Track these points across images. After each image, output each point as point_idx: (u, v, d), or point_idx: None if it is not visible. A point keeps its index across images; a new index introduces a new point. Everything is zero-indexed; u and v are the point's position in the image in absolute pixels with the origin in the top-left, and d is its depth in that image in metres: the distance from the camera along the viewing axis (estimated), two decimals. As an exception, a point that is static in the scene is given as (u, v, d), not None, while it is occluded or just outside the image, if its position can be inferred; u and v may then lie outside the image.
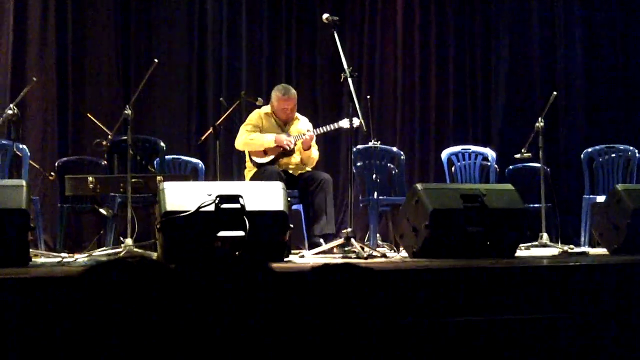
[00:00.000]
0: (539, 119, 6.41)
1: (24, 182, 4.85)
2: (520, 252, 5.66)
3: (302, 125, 6.58)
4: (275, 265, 0.96)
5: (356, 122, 5.81)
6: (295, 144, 6.45)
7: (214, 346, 0.73)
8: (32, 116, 7.46)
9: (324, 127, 6.51)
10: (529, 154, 6.50)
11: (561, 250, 5.91)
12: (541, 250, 6.03)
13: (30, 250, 4.82)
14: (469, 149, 7.66)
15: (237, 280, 0.78)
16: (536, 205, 6.52)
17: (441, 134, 8.44)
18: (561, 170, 8.29)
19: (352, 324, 1.52)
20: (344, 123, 6.24)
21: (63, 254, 5.58)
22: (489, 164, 7.55)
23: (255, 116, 6.55)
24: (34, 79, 6.63)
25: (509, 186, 5.63)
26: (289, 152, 6.43)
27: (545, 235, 6.21)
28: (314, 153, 6.54)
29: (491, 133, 8.53)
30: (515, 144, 6.89)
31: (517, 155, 6.58)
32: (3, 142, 6.47)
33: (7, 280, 3.58)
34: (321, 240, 6.07)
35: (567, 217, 7.74)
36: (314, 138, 6.48)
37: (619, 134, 8.27)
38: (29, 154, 6.70)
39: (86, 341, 0.73)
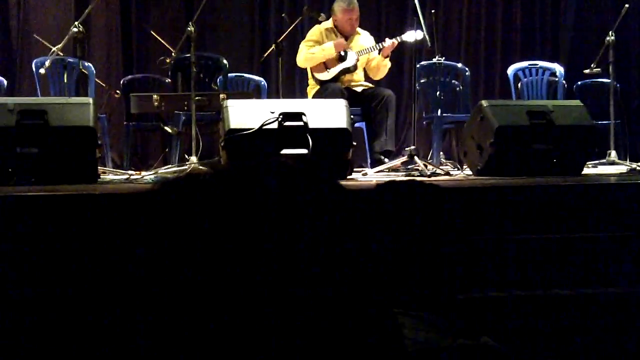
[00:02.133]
0: (610, 32, 6.19)
1: (90, 100, 4.91)
2: (588, 170, 5.56)
3: (363, 40, 6.48)
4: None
5: (420, 35, 5.69)
6: (358, 60, 6.36)
7: (283, 259, 0.73)
8: (97, 34, 7.52)
9: (387, 41, 6.38)
10: (599, 70, 6.31)
11: (630, 167, 5.79)
12: (609, 167, 5.91)
13: (99, 167, 4.91)
14: (536, 64, 7.47)
15: (305, 195, 0.77)
16: (605, 122, 6.36)
17: (507, 49, 8.24)
18: (632, 86, 8.05)
19: (416, 241, 1.52)
20: (408, 36, 6.12)
21: (130, 172, 5.68)
22: (557, 79, 7.37)
23: (315, 32, 6.46)
24: (98, -4, 6.65)
25: (578, 102, 5.51)
26: (352, 69, 6.36)
27: (613, 153, 6.07)
28: (389, 63, 6.43)
29: (559, 47, 8.30)
30: (585, 58, 6.69)
31: (587, 71, 6.40)
32: (69, 60, 6.54)
33: (78, 196, 3.67)
34: (383, 157, 6.05)
35: (637, 134, 7.55)
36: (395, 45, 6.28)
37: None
38: (94, 71, 6.77)
39: (156, 256, 0.73)
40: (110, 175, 5.55)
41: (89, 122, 4.66)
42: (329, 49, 6.27)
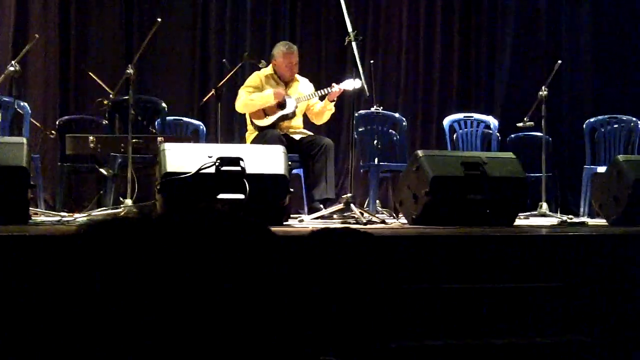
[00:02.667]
0: (543, 87, 6.37)
1: (24, 140, 4.84)
2: (520, 221, 5.66)
3: (302, 87, 6.54)
4: (274, 229, 0.96)
5: (358, 83, 5.77)
6: (296, 107, 6.41)
7: (208, 306, 0.72)
8: (34, 73, 7.43)
9: (326, 89, 6.45)
10: (532, 123, 6.47)
11: (560, 220, 5.92)
12: (540, 219, 6.03)
13: (30, 208, 4.82)
14: (471, 117, 7.63)
15: (236, 242, 0.78)
16: (537, 174, 6.51)
17: (444, 101, 8.40)
18: (564, 140, 8.27)
19: (350, 289, 1.52)
20: (346, 85, 6.20)
21: (62, 213, 5.59)
22: (491, 132, 7.53)
23: (255, 78, 6.49)
24: (36, 35, 6.59)
25: (511, 155, 5.63)
26: (290, 116, 6.40)
27: (545, 205, 6.21)
28: (334, 108, 6.48)
29: (494, 101, 8.49)
30: (518, 112, 6.86)
31: (520, 124, 6.56)
32: (5, 99, 6.44)
33: (7, 238, 3.59)
34: (321, 205, 6.07)
35: (568, 187, 7.74)
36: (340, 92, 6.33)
37: (624, 105, 8.23)
38: (30, 111, 6.68)
39: (84, 300, 0.72)
40: (42, 216, 5.45)
41: (21, 162, 4.58)
42: (267, 97, 6.30)
